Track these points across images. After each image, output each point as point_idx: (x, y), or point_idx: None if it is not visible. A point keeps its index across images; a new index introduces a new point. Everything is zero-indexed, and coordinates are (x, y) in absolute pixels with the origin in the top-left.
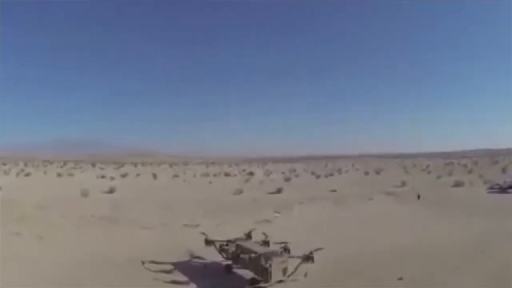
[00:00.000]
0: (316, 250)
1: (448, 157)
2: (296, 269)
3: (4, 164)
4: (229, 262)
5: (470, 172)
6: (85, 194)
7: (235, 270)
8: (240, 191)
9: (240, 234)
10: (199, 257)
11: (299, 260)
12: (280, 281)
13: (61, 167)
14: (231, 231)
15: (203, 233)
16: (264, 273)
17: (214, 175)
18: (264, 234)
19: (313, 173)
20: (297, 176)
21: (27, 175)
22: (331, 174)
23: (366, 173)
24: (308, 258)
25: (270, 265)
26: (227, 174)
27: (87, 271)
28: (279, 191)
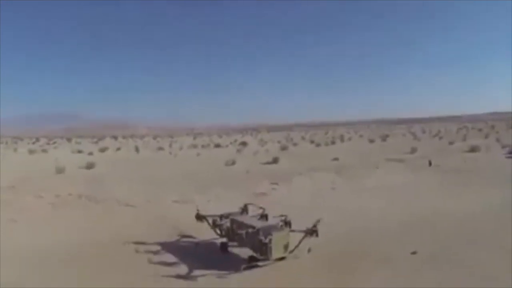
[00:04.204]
0: (317, 222)
1: (460, 121)
2: (298, 244)
3: None
4: (224, 239)
5: (486, 136)
6: (60, 171)
7: (230, 248)
8: (232, 162)
9: (235, 209)
10: (189, 236)
11: (301, 235)
12: (281, 258)
13: (33, 143)
14: (224, 206)
15: (197, 209)
16: (264, 250)
17: (203, 146)
18: (262, 207)
19: (312, 142)
20: (295, 144)
21: None
22: (333, 142)
23: (371, 141)
24: (312, 232)
25: (270, 241)
26: (217, 145)
27: (65, 255)
28: (275, 161)
